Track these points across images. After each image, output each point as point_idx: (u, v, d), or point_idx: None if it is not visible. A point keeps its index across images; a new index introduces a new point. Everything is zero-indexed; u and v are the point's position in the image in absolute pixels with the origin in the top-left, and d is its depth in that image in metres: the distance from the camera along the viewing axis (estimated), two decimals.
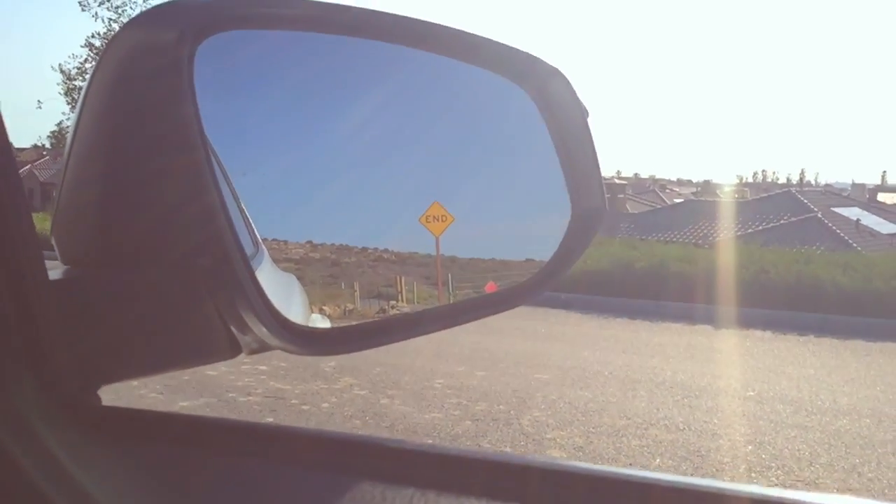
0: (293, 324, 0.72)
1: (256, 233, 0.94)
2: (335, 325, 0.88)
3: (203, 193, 0.63)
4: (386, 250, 0.94)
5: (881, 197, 55.23)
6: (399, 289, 0.97)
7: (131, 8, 21.17)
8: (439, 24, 0.82)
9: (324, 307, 0.92)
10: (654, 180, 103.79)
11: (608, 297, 12.67)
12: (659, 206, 45.45)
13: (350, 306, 0.93)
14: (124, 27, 0.67)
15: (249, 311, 0.66)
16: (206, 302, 0.67)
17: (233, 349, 0.70)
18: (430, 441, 5.66)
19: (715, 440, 5.84)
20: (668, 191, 73.68)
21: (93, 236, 0.68)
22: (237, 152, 0.83)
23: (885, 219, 34.56)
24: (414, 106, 0.96)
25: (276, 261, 0.89)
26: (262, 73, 0.81)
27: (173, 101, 0.63)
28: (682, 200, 47.64)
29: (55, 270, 0.67)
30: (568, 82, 0.87)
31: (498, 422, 6.18)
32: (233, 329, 0.68)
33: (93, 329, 0.65)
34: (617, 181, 49.46)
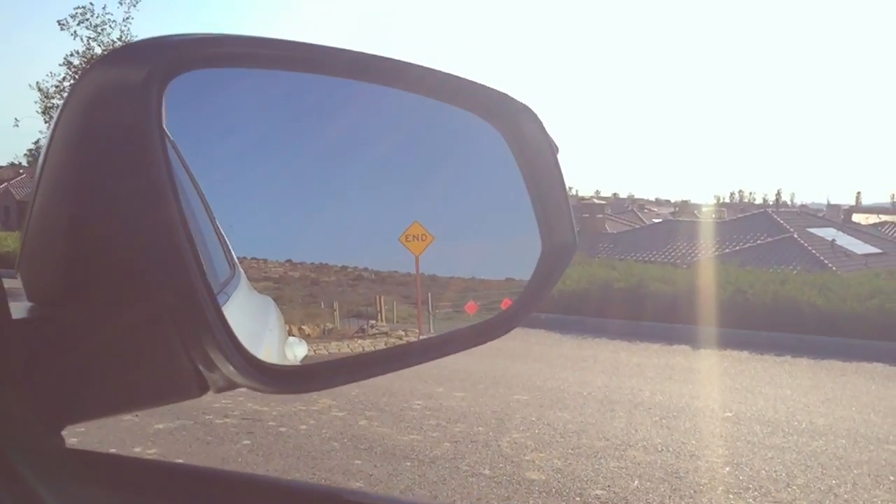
0: (262, 362, 0.71)
1: (234, 255, 0.94)
2: (305, 362, 0.87)
3: (169, 232, 0.63)
4: (366, 269, 0.94)
5: (856, 217, 55.85)
6: (379, 308, 0.97)
7: (110, 27, 21.07)
8: (407, 62, 0.83)
9: (303, 326, 0.92)
10: (632, 200, 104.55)
11: (587, 317, 12.71)
12: (637, 226, 45.75)
13: (329, 325, 0.93)
14: (93, 65, 0.66)
15: (216, 349, 0.65)
16: (172, 340, 0.66)
17: (200, 387, 0.69)
18: (408, 463, 5.63)
19: (693, 461, 5.85)
20: (646, 210, 74.22)
21: (58, 274, 0.67)
22: (214, 176, 0.83)
23: (859, 239, 34.95)
24: (390, 133, 0.96)
25: (255, 280, 0.88)
26: (235, 108, 0.81)
27: (140, 139, 0.63)
28: (660, 220, 47.98)
29: (20, 308, 0.66)
30: (538, 119, 0.87)
31: (477, 443, 6.16)
32: (200, 367, 0.68)
33: (56, 369, 0.64)
34: (596, 201, 49.64)
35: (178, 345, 0.66)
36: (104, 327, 0.66)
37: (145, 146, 0.63)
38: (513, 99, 0.88)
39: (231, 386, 0.70)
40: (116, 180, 0.64)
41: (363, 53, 0.79)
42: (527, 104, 0.87)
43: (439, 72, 0.84)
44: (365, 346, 0.95)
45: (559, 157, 0.88)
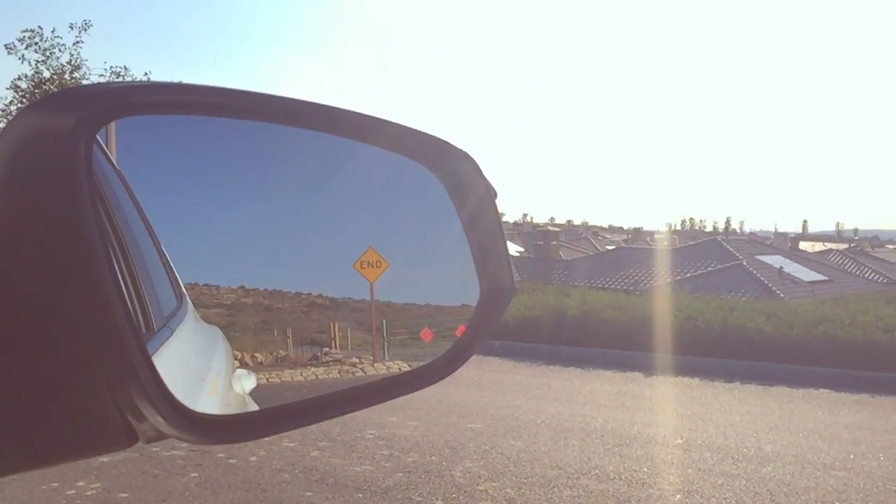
0: (193, 412, 0.70)
1: (182, 286, 0.92)
2: (238, 412, 0.86)
3: (96, 281, 0.62)
4: (320, 296, 0.93)
5: (803, 245, 57.22)
6: (333, 335, 0.97)
7: (59, 51, 20.57)
8: (340, 108, 0.82)
9: (256, 354, 0.90)
10: (586, 227, 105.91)
11: (541, 344, 12.74)
12: (591, 253, 46.29)
13: (283, 353, 0.92)
14: (22, 112, 0.65)
15: (144, 399, 0.64)
16: (99, 389, 0.64)
17: (129, 438, 0.67)
18: (360, 494, 5.56)
19: (645, 489, 5.88)
20: (600, 237, 75.16)
21: None
22: (165, 209, 0.82)
23: (806, 267, 35.75)
24: (341, 169, 0.95)
25: (207, 306, 0.87)
26: (187, 146, 0.81)
27: (66, 186, 0.62)
28: (613, 247, 48.56)
29: None
30: (475, 165, 0.87)
31: (430, 473, 6.12)
32: (129, 417, 0.66)
33: None
34: (550, 228, 50.14)
35: (106, 394, 0.65)
36: (25, 377, 0.64)
37: (71, 194, 0.62)
38: (450, 145, 0.88)
39: (161, 436, 0.69)
40: (41, 227, 0.63)
41: (299, 100, 0.79)
42: (464, 150, 0.87)
43: (374, 118, 0.84)
44: (318, 373, 0.95)
45: (497, 201, 0.89)
